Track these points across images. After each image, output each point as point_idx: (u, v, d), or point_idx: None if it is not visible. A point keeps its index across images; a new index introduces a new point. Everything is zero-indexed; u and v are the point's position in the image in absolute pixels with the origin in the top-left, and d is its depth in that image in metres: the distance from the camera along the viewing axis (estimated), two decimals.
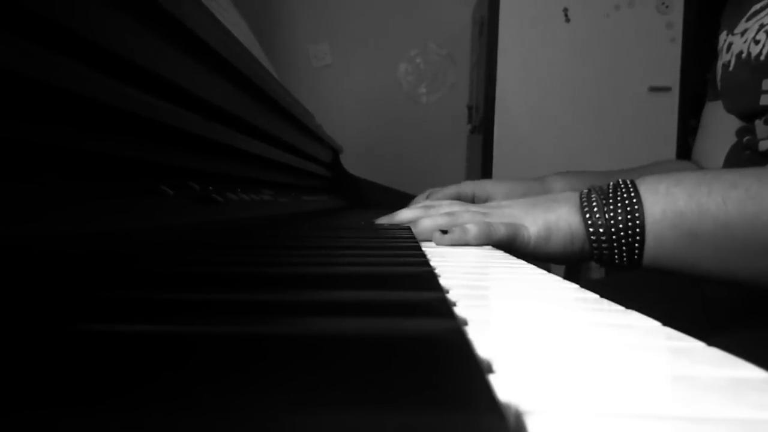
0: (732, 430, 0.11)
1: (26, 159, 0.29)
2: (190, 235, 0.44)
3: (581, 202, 0.49)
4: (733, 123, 0.67)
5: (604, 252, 0.48)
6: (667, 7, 2.17)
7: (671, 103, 2.20)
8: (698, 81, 2.22)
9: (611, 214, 0.47)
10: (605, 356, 0.16)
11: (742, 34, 0.62)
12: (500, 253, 0.47)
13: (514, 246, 0.50)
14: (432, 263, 0.34)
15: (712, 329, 0.50)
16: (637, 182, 0.48)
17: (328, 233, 0.56)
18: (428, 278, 0.27)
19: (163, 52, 0.43)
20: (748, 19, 0.62)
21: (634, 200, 0.47)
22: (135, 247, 0.35)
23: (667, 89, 2.19)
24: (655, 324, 0.20)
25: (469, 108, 2.62)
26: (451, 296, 0.23)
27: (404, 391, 0.11)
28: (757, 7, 0.62)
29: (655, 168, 0.81)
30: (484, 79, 2.28)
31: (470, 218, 0.52)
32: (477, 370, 0.13)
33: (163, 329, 0.16)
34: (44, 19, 0.29)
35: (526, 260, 0.45)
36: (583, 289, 0.27)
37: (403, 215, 0.60)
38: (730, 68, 0.64)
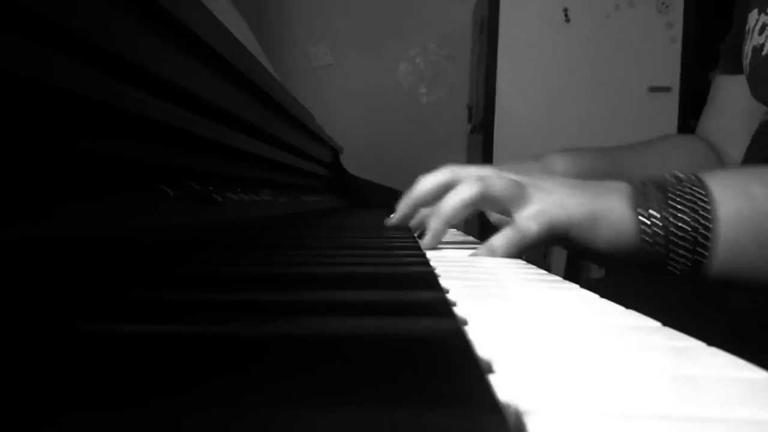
0: (732, 430, 0.11)
1: (26, 159, 0.29)
2: (190, 235, 0.44)
3: (635, 195, 0.41)
4: (758, 107, 0.63)
5: (659, 257, 0.40)
6: (667, 7, 2.17)
7: (671, 103, 2.20)
8: (698, 81, 2.22)
9: (672, 212, 0.39)
10: (605, 356, 0.16)
11: None
12: None
13: (550, 234, 0.43)
14: (432, 263, 0.34)
15: (712, 329, 0.50)
16: (705, 176, 0.41)
17: (328, 233, 0.56)
18: (428, 278, 0.27)
19: (163, 52, 0.43)
20: None
21: (703, 196, 0.39)
22: (135, 247, 0.35)
23: (667, 89, 2.19)
24: (655, 324, 0.20)
25: (469, 108, 2.62)
26: (451, 296, 0.23)
27: (404, 391, 0.11)
28: None
29: (661, 143, 0.78)
30: (484, 79, 2.28)
31: (502, 189, 0.43)
32: (477, 370, 0.13)
33: (163, 329, 0.16)
34: (44, 19, 0.29)
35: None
36: (583, 289, 0.27)
37: (423, 188, 0.47)
38: (765, 52, 0.57)
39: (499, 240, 0.42)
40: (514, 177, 0.44)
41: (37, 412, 0.10)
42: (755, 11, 0.62)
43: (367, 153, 2.46)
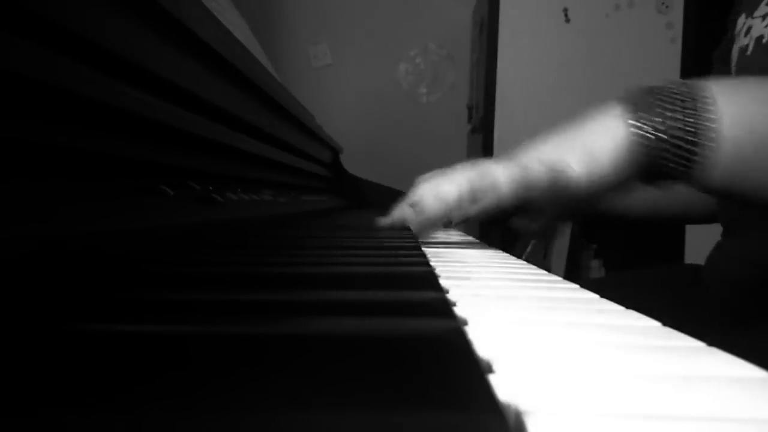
0: (732, 429, 0.11)
1: (26, 159, 0.29)
2: (190, 235, 0.44)
3: (626, 107, 0.39)
4: None
5: (663, 162, 0.38)
6: (667, 7, 2.17)
7: None
8: None
9: (670, 114, 0.37)
10: (605, 356, 0.15)
11: (763, 17, 0.58)
12: (502, 254, 0.47)
13: (556, 194, 0.40)
14: (432, 263, 0.34)
15: (713, 329, 0.50)
16: (697, 82, 0.39)
17: (328, 233, 0.56)
18: (428, 278, 0.27)
19: (163, 52, 0.43)
20: None
21: (703, 98, 0.37)
22: (135, 247, 0.35)
23: None
24: (655, 324, 0.20)
25: (469, 108, 2.62)
26: (451, 296, 0.23)
27: (404, 391, 0.11)
28: None
29: None
30: (484, 79, 2.28)
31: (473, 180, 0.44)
32: (477, 370, 0.13)
33: (163, 329, 0.16)
34: (44, 19, 0.29)
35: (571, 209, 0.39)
36: (583, 289, 0.27)
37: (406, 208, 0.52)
38: (748, 52, 0.60)
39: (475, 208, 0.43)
40: (469, 169, 0.48)
41: (38, 412, 0.10)
42: (743, 15, 0.64)
43: (367, 153, 2.46)
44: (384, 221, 0.56)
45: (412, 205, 0.49)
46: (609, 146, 0.39)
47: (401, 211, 0.53)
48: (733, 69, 0.64)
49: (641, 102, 0.39)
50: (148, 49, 0.41)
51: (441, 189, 0.47)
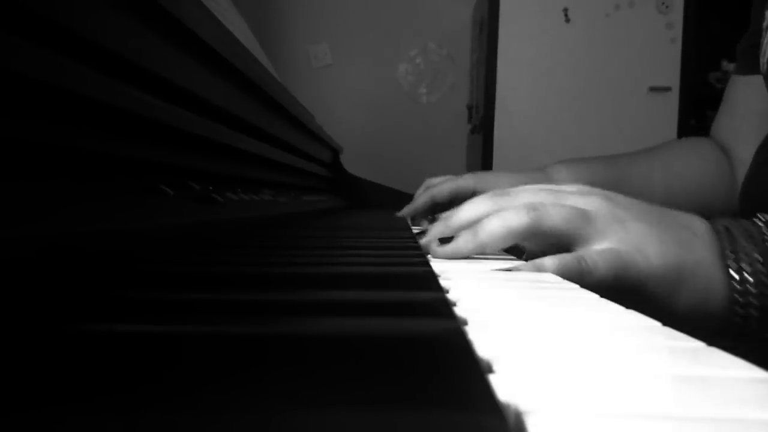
0: (732, 430, 0.11)
1: (26, 159, 0.29)
2: (190, 235, 0.44)
3: (721, 245, 0.34)
4: None
5: (754, 324, 0.33)
6: (667, 7, 2.17)
7: (671, 103, 2.20)
8: (698, 81, 2.22)
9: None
10: (605, 356, 0.15)
11: None
12: (498, 253, 0.47)
13: (618, 283, 0.34)
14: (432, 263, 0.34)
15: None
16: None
17: (328, 233, 0.56)
18: (428, 278, 0.27)
19: (163, 52, 0.43)
20: None
21: None
22: (134, 247, 0.35)
23: (667, 89, 2.19)
24: (655, 324, 0.20)
25: (469, 108, 2.62)
26: (451, 296, 0.23)
27: (404, 391, 0.11)
28: None
29: (665, 149, 0.78)
30: (484, 79, 2.28)
31: (561, 221, 0.35)
32: (477, 370, 0.13)
33: (163, 329, 0.16)
34: (44, 19, 0.29)
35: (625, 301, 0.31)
36: (583, 289, 0.27)
37: (464, 215, 0.40)
38: None
39: (551, 262, 0.34)
40: (579, 204, 0.36)
41: (36, 412, 0.10)
42: None
43: (367, 153, 2.46)
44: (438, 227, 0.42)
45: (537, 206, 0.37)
46: (701, 282, 0.34)
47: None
48: (765, 65, 0.62)
49: (739, 245, 0.34)
50: (147, 48, 0.41)
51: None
